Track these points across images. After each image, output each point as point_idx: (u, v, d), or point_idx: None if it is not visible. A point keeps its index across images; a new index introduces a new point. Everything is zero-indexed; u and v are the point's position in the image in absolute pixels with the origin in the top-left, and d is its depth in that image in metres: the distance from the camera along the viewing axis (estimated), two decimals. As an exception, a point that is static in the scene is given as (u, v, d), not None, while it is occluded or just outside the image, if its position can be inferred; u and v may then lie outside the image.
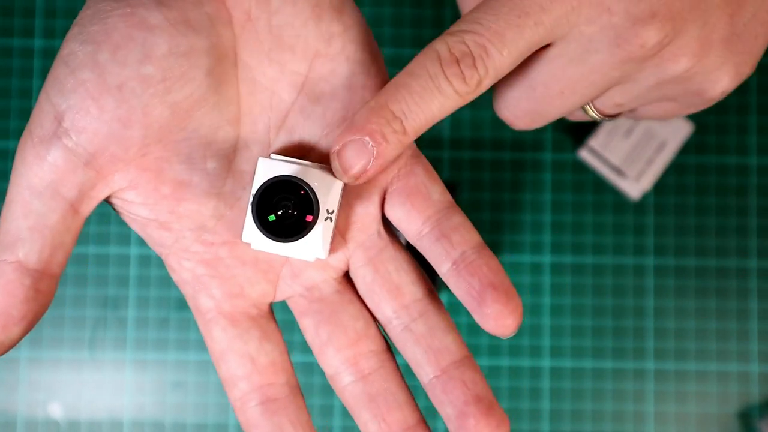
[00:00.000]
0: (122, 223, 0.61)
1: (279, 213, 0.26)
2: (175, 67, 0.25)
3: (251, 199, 0.26)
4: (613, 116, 0.31)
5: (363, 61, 0.27)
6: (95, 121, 0.25)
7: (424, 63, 0.25)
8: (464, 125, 0.62)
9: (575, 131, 0.61)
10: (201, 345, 0.61)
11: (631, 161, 0.60)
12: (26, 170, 0.25)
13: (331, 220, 0.27)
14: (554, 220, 0.61)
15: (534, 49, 0.26)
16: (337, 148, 0.25)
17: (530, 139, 0.62)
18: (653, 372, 0.60)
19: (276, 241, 0.26)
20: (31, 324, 0.25)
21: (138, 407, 0.60)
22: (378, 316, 0.28)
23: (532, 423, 0.60)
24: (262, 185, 0.26)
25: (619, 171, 0.60)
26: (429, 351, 0.27)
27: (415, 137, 0.26)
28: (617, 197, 0.61)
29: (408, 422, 0.27)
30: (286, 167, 0.26)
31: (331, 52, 0.27)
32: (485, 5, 0.26)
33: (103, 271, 0.60)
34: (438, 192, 0.28)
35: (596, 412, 0.60)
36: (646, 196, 0.61)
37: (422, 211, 0.28)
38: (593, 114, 0.30)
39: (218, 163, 0.27)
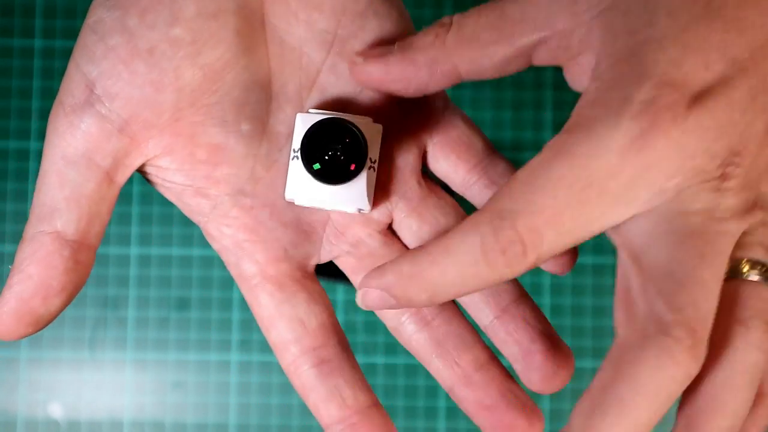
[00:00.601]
0: (122, 224, 0.61)
1: (327, 156, 0.26)
2: (204, 29, 0.25)
3: (292, 154, 0.26)
4: None
5: (390, 15, 0.27)
6: (127, 86, 0.25)
7: (462, 242, 0.22)
8: (464, 125, 0.62)
9: (575, 131, 0.61)
10: (201, 345, 0.61)
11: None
12: (59, 140, 0.25)
13: (374, 170, 0.27)
14: (554, 220, 0.61)
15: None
16: (361, 301, 0.24)
17: (530, 139, 0.61)
18: (653, 372, 0.60)
19: (325, 183, 0.26)
20: (71, 296, 0.25)
21: (138, 407, 0.60)
22: None
23: (532, 423, 0.60)
24: (312, 126, 0.26)
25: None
26: (487, 292, 0.27)
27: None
28: (617, 197, 0.61)
29: (480, 360, 0.27)
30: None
31: (359, 8, 0.27)
32: (542, 175, 0.22)
33: (103, 271, 0.60)
34: (480, 141, 0.28)
35: (596, 412, 0.60)
36: (646, 196, 0.61)
37: (467, 160, 0.28)
38: None
39: (252, 124, 0.27)
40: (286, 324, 0.27)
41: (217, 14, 0.25)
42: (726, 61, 0.22)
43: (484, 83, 0.62)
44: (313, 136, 0.26)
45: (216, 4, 0.25)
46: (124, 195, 0.61)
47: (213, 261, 0.61)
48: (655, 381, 0.22)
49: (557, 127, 0.61)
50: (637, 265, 0.23)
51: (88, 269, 0.26)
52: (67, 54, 0.63)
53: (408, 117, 0.28)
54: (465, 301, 0.27)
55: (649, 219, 0.22)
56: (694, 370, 0.22)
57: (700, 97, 0.22)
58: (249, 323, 0.61)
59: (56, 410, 0.60)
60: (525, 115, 0.62)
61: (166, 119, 0.25)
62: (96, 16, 0.25)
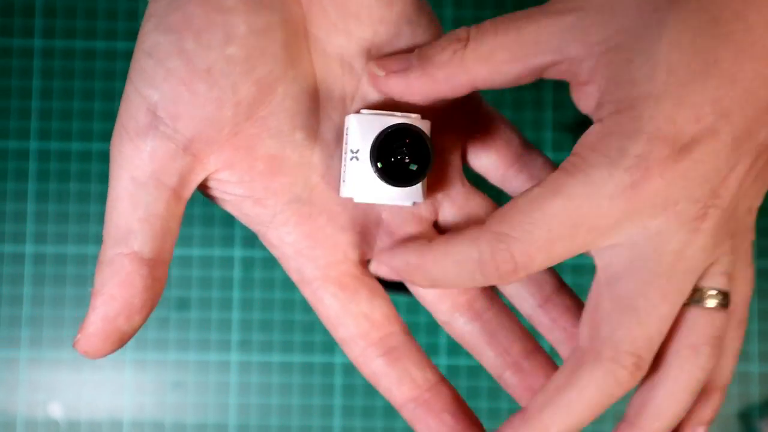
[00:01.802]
0: (122, 223, 0.61)
1: (394, 159, 0.27)
2: (255, 45, 0.26)
3: (349, 155, 0.27)
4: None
5: (421, 22, 0.29)
6: (189, 106, 0.26)
7: (461, 252, 0.26)
8: (464, 125, 0.62)
9: (575, 131, 0.61)
10: (201, 345, 0.61)
11: (631, 161, 0.60)
12: (127, 164, 0.26)
13: None
14: (554, 220, 0.61)
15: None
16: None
17: (530, 139, 0.61)
18: (653, 372, 0.60)
19: (390, 185, 0.27)
20: (150, 311, 0.26)
21: (138, 407, 0.61)
22: None
23: (532, 423, 0.60)
24: (383, 131, 0.27)
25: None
26: (530, 281, 0.29)
27: None
28: (617, 197, 0.61)
29: (528, 349, 0.29)
30: (380, 119, 0.28)
31: (394, 17, 0.28)
32: (539, 209, 0.25)
33: (103, 271, 0.60)
34: (517, 137, 0.30)
35: (596, 412, 0.60)
36: (646, 196, 0.61)
37: (506, 156, 0.30)
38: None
39: (305, 133, 0.28)
40: (353, 320, 0.29)
41: (265, 30, 0.26)
42: (715, 113, 0.24)
43: (484, 83, 0.62)
44: (385, 140, 0.27)
45: (264, 20, 0.26)
46: (124, 195, 0.61)
47: (213, 261, 0.61)
48: (599, 394, 0.26)
49: (557, 127, 0.61)
50: (610, 289, 0.26)
51: (164, 283, 0.27)
52: (66, 54, 0.63)
53: (450, 117, 0.29)
54: (509, 292, 0.30)
55: (629, 251, 0.26)
56: (632, 386, 0.26)
57: (686, 148, 0.24)
58: (249, 323, 0.61)
59: (56, 410, 0.60)
60: (525, 115, 0.62)
61: (226, 134, 0.26)
62: (151, 40, 0.26)
